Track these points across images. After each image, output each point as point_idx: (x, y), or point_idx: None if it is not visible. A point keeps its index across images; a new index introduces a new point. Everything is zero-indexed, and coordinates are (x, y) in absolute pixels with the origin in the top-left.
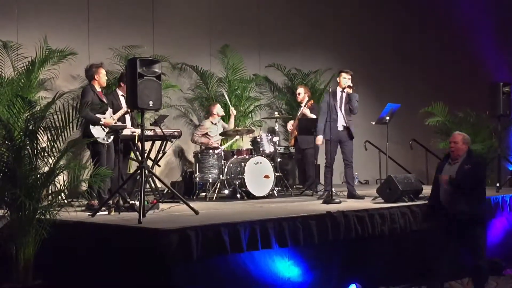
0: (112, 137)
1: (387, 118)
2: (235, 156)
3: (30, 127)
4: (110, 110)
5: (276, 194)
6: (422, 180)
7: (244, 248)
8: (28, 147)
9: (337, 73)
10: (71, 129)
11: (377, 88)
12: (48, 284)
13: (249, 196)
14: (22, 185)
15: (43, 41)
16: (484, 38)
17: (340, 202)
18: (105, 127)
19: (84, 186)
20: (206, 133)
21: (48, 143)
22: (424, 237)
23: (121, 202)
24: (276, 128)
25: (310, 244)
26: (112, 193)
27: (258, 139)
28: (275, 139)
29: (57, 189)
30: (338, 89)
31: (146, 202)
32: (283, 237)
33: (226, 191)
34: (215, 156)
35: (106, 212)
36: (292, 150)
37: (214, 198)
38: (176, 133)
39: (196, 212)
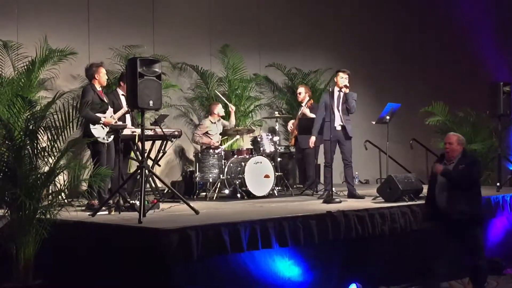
0: (112, 136)
1: (388, 117)
2: (236, 156)
3: (30, 127)
4: (110, 110)
5: (276, 194)
6: (423, 180)
7: (244, 247)
8: (28, 146)
9: (335, 72)
10: (71, 128)
11: (377, 88)
12: (48, 284)
13: (250, 195)
14: (23, 184)
15: (43, 41)
16: (484, 38)
17: (340, 202)
18: (105, 126)
19: (84, 186)
20: (206, 132)
21: (48, 142)
22: (424, 237)
23: (121, 201)
24: (277, 127)
25: (310, 244)
26: (112, 192)
27: (259, 139)
28: (276, 138)
29: (57, 189)
30: (336, 89)
31: (146, 202)
32: (284, 236)
33: (227, 191)
34: (216, 155)
35: (106, 212)
36: (293, 149)
37: (214, 198)
38: (176, 133)
39: (197, 212)
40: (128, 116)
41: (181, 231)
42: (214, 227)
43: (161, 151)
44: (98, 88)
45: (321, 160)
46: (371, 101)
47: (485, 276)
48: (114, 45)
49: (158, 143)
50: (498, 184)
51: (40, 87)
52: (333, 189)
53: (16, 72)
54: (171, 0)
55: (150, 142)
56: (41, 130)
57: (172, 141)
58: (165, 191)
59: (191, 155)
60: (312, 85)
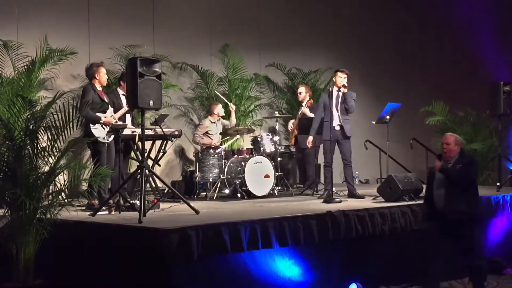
0: (112, 136)
1: (388, 117)
2: (236, 156)
3: (31, 127)
4: (111, 109)
5: (276, 194)
6: (423, 179)
7: (244, 247)
8: (28, 146)
9: (334, 72)
10: (71, 128)
11: (377, 88)
12: (49, 284)
13: (250, 195)
14: (23, 184)
15: (44, 40)
16: (484, 38)
17: (340, 202)
18: (105, 126)
19: (84, 186)
20: (206, 132)
21: (49, 142)
22: (424, 237)
23: (121, 201)
24: (277, 127)
25: (310, 244)
26: (112, 192)
27: (259, 139)
28: (276, 138)
29: (57, 189)
30: (335, 89)
31: (146, 202)
32: (284, 236)
33: (227, 191)
34: (216, 155)
35: (107, 212)
36: (293, 149)
37: (214, 198)
38: (176, 133)
39: (197, 212)
40: (128, 116)
41: (181, 231)
42: (214, 227)
43: (161, 151)
44: (99, 87)
45: (321, 160)
46: (371, 101)
47: (484, 276)
48: (114, 45)
49: (158, 143)
50: (498, 184)
51: (40, 87)
52: (333, 189)
53: (16, 72)
54: (171, 0)
55: (150, 142)
56: (41, 130)
57: (172, 141)
58: (165, 191)
59: (191, 155)
60: (312, 85)
